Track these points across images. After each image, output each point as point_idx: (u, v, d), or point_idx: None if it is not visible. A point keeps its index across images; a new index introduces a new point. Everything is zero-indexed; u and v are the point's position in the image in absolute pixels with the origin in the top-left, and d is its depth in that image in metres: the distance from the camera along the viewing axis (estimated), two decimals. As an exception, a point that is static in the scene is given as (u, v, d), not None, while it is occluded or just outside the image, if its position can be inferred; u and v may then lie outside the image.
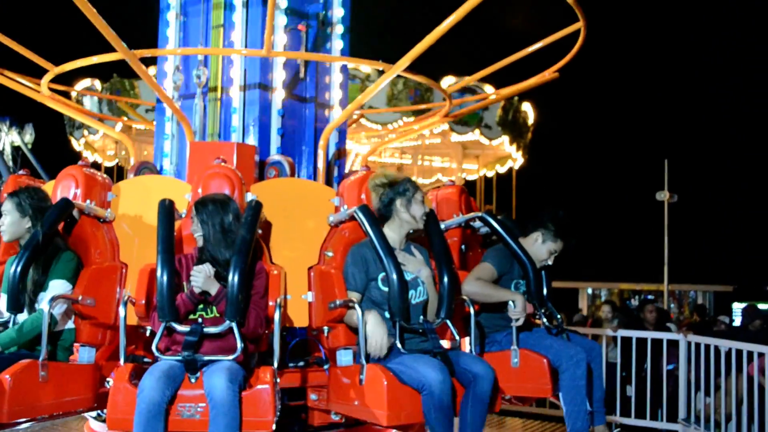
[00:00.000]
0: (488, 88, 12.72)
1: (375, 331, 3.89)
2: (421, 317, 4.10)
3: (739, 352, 7.48)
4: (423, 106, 10.61)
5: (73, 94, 10.85)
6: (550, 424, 6.95)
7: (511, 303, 4.34)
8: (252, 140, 5.15)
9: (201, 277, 3.69)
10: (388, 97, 12.06)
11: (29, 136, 12.80)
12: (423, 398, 3.62)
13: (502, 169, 15.88)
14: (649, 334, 8.71)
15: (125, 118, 11.24)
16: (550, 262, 4.79)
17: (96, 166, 13.77)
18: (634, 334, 8.69)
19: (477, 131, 13.27)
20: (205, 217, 3.83)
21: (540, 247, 4.74)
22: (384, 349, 3.88)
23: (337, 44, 5.53)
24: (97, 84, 13.20)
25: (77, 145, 14.67)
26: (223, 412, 3.38)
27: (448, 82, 12.12)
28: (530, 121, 14.64)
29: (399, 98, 12.06)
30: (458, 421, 3.85)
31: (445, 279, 4.12)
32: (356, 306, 3.90)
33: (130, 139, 8.47)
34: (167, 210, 3.98)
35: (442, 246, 4.29)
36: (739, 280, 30.00)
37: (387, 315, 4.00)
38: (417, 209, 4.16)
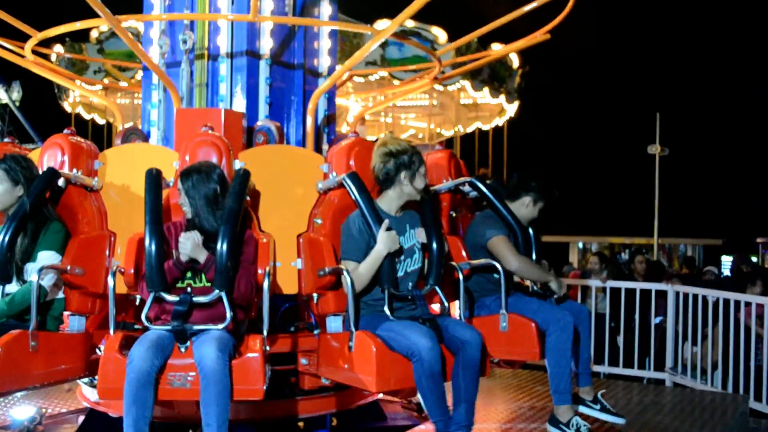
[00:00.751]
0: (437, 31, 12.43)
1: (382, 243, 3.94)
2: (411, 284, 4.13)
3: (726, 302, 7.61)
4: (413, 67, 10.49)
5: (53, 57, 10.72)
6: (540, 373, 7.03)
7: (554, 287, 4.63)
8: (239, 106, 5.11)
9: (189, 245, 3.68)
10: None
11: (17, 93, 12.68)
12: (414, 366, 3.66)
13: (494, 124, 15.71)
14: (638, 285, 8.87)
15: (78, 83, 11.14)
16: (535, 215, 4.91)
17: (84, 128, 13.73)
18: (623, 284, 8.83)
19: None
20: (190, 189, 3.80)
21: (532, 210, 4.86)
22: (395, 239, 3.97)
23: (326, 9, 5.47)
24: (60, 48, 13.04)
25: (68, 106, 14.54)
26: (214, 382, 3.41)
27: (382, 25, 11.92)
28: (515, 65, 14.31)
29: None
30: (451, 389, 3.91)
31: (434, 246, 4.13)
32: (345, 273, 3.92)
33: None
34: (155, 179, 3.95)
35: (431, 213, 4.30)
36: (728, 233, 30.23)
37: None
38: (420, 182, 4.16)
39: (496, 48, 11.21)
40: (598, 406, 4.64)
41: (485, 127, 15.78)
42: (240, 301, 3.77)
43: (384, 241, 3.94)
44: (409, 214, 4.29)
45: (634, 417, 5.63)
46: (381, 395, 5.15)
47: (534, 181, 4.87)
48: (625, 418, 4.75)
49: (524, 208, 4.83)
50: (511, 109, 14.87)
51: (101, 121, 15.11)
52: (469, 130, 15.93)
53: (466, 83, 13.39)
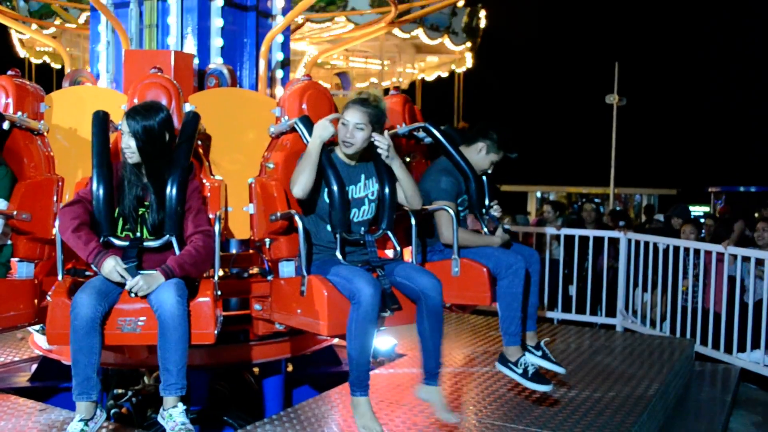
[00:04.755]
0: None
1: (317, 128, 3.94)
2: (363, 229, 4.12)
3: (676, 249, 7.77)
4: (369, 11, 10.33)
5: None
6: (494, 318, 7.13)
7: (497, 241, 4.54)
8: (190, 48, 5.01)
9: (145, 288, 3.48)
10: None
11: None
12: (351, 307, 3.66)
13: (444, 74, 15.66)
14: (591, 232, 9.00)
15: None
16: (489, 171, 4.83)
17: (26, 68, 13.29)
18: (577, 232, 8.97)
19: (446, 37, 13.05)
20: (138, 132, 3.60)
21: (483, 157, 4.77)
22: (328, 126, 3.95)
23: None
24: None
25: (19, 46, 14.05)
26: (173, 327, 3.39)
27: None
28: (482, 25, 14.44)
29: None
30: (418, 337, 3.92)
31: (386, 190, 4.12)
32: (296, 216, 3.89)
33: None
34: (102, 122, 3.85)
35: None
36: (683, 183, 30.74)
37: (329, 228, 4.01)
38: (342, 131, 4.03)
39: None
40: (539, 353, 4.67)
41: (442, 74, 15.71)
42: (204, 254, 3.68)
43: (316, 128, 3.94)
44: (367, 164, 4.24)
45: (585, 359, 5.76)
46: (336, 340, 5.18)
47: (493, 130, 4.77)
48: (565, 368, 4.77)
49: (476, 153, 4.75)
50: (468, 57, 14.84)
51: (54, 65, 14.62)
52: (427, 77, 15.85)
53: (469, 44, 13.43)
